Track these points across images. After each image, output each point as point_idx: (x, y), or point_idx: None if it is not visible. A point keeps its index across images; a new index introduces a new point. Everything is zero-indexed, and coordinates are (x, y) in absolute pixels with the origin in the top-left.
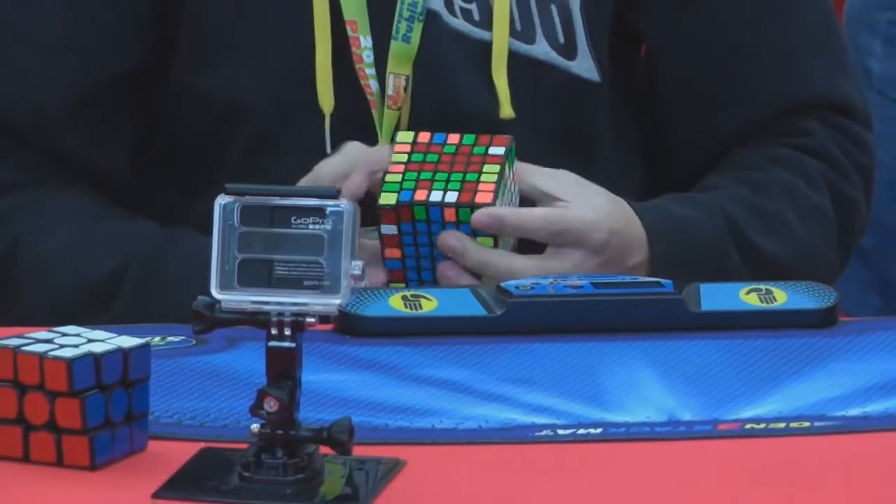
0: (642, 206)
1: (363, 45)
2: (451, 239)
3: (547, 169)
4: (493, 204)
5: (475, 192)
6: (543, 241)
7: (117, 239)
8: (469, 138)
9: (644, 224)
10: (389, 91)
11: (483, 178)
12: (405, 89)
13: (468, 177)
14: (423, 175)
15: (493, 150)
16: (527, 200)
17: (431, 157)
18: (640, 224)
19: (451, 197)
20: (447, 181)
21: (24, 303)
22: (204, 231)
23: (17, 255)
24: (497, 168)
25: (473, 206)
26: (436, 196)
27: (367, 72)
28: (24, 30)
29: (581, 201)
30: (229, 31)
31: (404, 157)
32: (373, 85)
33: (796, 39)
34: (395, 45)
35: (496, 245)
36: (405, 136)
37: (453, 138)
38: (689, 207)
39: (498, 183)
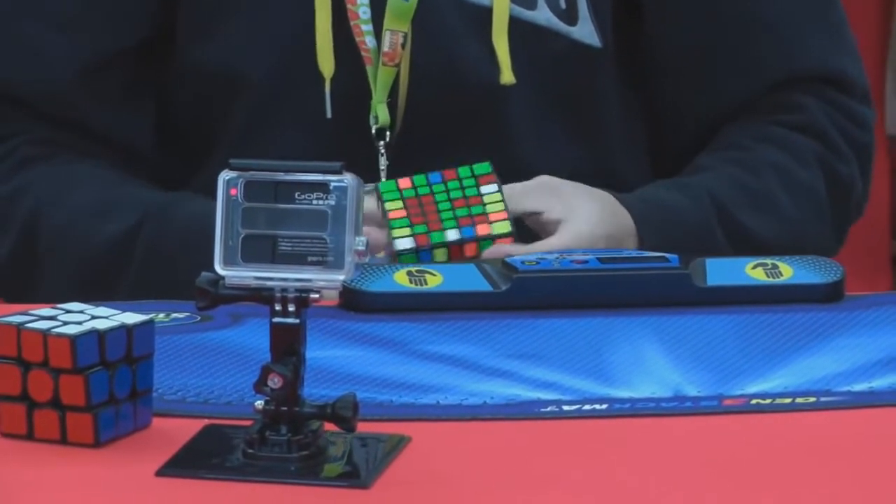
0: (631, 197)
1: (359, 1)
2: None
3: (525, 185)
4: (511, 232)
5: (489, 223)
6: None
7: (129, 203)
8: (458, 174)
9: (632, 214)
10: (386, 48)
11: (489, 208)
12: (402, 46)
13: (474, 210)
14: (429, 215)
15: (484, 189)
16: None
17: (427, 197)
18: (627, 215)
19: (469, 232)
20: (455, 218)
21: (47, 275)
22: None
23: (37, 228)
24: (499, 197)
25: (494, 238)
26: (452, 235)
27: (363, 28)
28: (36, 5)
29: (573, 216)
30: None
31: (399, 204)
32: (368, 42)
33: (792, 12)
34: (392, 2)
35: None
36: (387, 185)
37: (438, 177)
38: (677, 193)
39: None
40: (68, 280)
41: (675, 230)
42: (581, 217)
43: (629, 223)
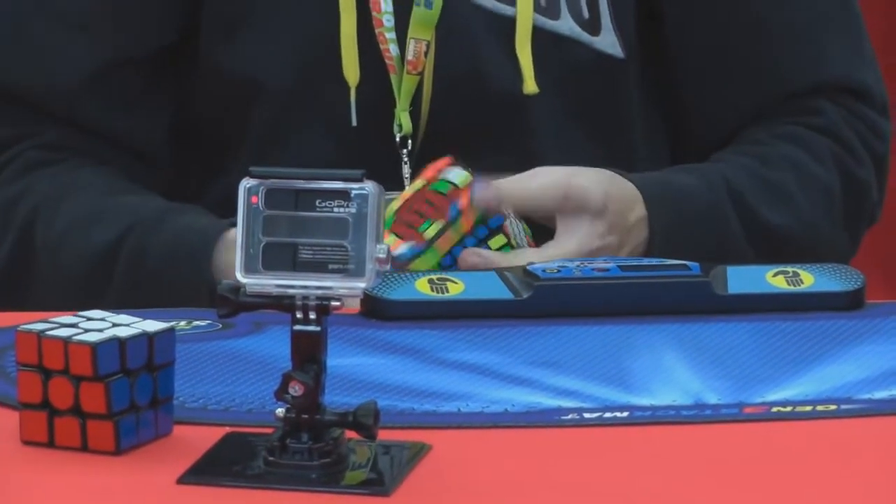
0: (637, 175)
1: (384, 9)
2: (470, 257)
3: (533, 193)
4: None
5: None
6: (548, 211)
7: (122, 211)
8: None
9: (637, 187)
10: (409, 56)
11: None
12: (426, 55)
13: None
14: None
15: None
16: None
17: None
18: (629, 183)
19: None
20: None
21: (40, 282)
22: (228, 207)
23: (32, 235)
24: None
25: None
26: (429, 233)
27: (387, 36)
28: (51, 7)
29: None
30: (251, 5)
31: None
32: (392, 50)
33: (813, 22)
34: (416, 11)
35: (509, 243)
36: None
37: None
38: (687, 175)
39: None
40: (58, 288)
41: (687, 208)
42: (578, 173)
43: (630, 186)
